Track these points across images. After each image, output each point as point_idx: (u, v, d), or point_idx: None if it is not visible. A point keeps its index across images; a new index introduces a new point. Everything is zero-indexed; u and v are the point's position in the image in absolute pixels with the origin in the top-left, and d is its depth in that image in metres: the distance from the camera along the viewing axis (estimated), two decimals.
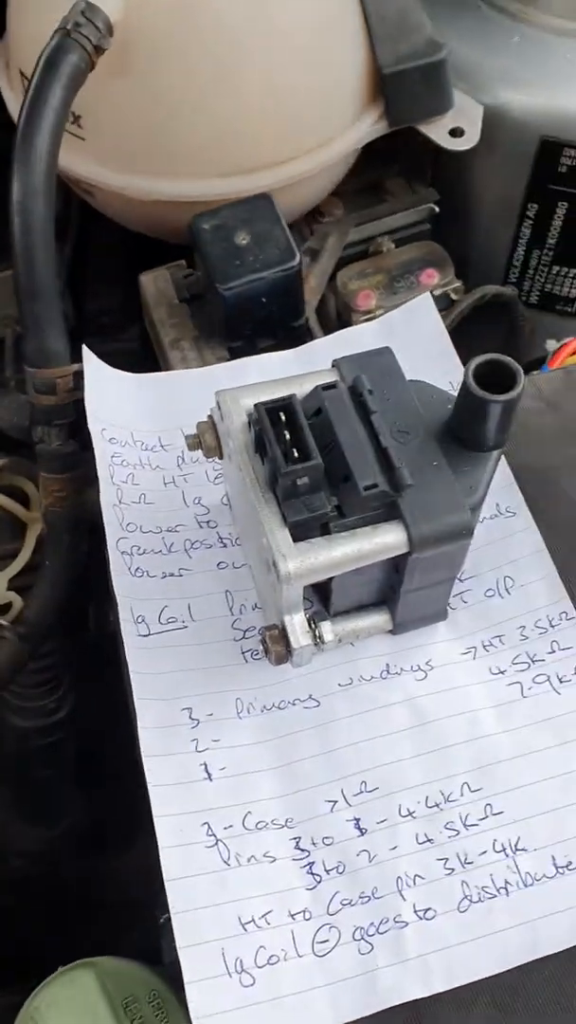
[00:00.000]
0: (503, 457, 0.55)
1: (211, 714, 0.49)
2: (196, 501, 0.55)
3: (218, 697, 0.50)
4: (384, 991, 0.43)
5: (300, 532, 0.43)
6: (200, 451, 0.50)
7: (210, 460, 0.52)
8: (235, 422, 0.46)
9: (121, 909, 0.70)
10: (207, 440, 0.49)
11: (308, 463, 0.42)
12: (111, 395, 0.57)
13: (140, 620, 0.51)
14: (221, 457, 0.50)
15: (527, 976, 0.43)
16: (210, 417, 0.49)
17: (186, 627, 0.51)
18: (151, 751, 0.47)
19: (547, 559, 0.52)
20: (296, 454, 0.43)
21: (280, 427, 0.43)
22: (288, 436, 0.43)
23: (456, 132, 0.69)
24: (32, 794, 0.83)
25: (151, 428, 0.57)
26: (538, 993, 0.43)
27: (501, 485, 0.54)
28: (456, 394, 0.46)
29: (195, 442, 0.50)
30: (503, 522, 0.54)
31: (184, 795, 0.47)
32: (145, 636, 0.51)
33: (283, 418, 0.44)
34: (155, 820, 0.45)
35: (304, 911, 0.45)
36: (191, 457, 0.57)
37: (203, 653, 0.51)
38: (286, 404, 0.44)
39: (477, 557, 0.52)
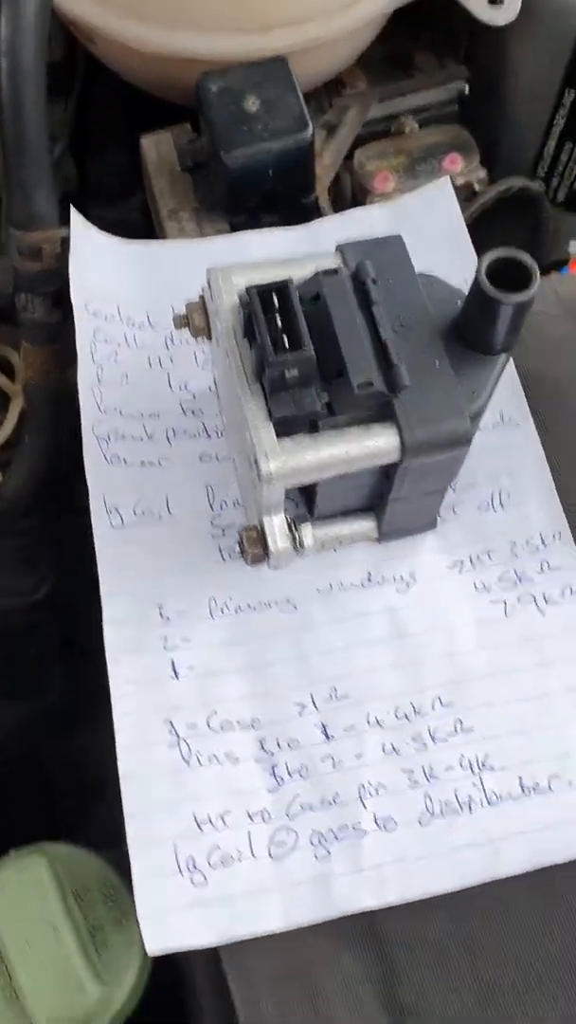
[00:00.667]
0: (511, 363, 0.52)
1: (183, 612, 0.47)
2: (182, 386, 0.52)
3: (192, 595, 0.48)
4: (338, 899, 0.42)
5: (286, 429, 0.41)
6: (188, 330, 0.47)
7: (200, 342, 0.49)
8: (225, 303, 0.43)
9: (91, 790, 0.70)
10: (195, 320, 0.46)
11: (299, 353, 0.39)
12: (98, 263, 0.53)
13: (113, 510, 0.49)
14: (210, 338, 0.47)
15: (484, 894, 0.42)
16: (201, 296, 0.46)
17: (162, 521, 0.49)
18: (116, 646, 0.46)
19: (547, 475, 0.50)
20: (287, 343, 0.39)
21: (272, 312, 0.40)
22: (280, 323, 0.40)
23: (495, 0, 0.63)
24: (10, 670, 0.83)
25: (139, 303, 0.54)
26: (493, 912, 0.43)
27: (507, 393, 0.51)
28: (467, 291, 0.43)
29: (183, 321, 0.47)
30: (505, 432, 0.51)
31: (148, 693, 0.45)
32: (118, 528, 0.48)
33: (276, 303, 0.40)
34: (115, 717, 0.44)
35: (263, 812, 0.44)
36: (180, 338, 0.53)
37: (179, 549, 0.49)
38: (280, 287, 0.40)
39: (474, 467, 0.50)
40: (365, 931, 0.42)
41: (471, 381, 0.43)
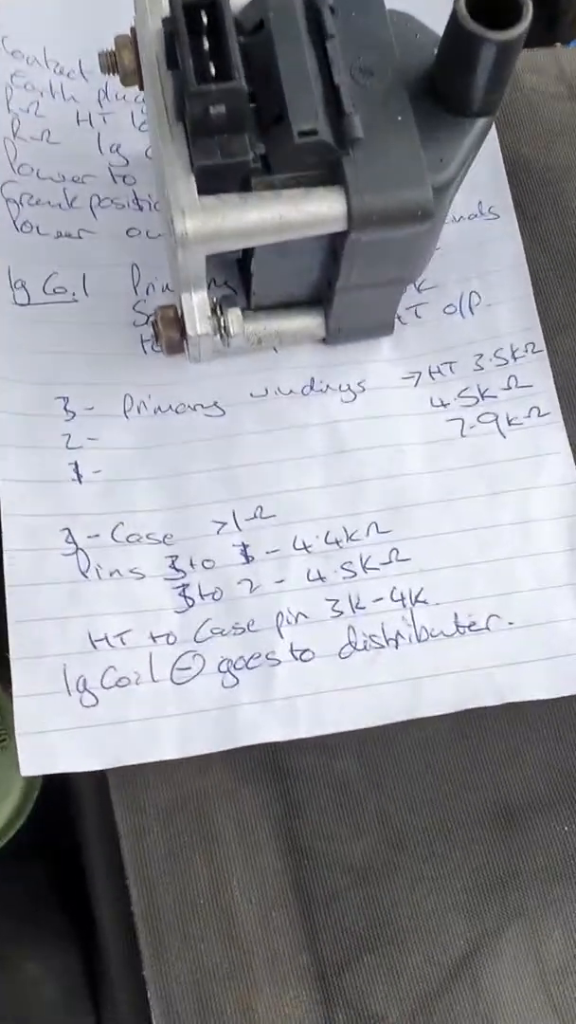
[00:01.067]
0: (497, 144, 0.44)
1: (92, 408, 0.41)
2: (114, 148, 0.45)
3: (104, 389, 0.42)
4: (242, 729, 0.38)
5: (210, 183, 0.34)
6: (117, 77, 0.39)
7: (137, 100, 0.41)
8: (151, 26, 0.35)
9: None
10: (124, 59, 0.38)
11: (227, 85, 0.32)
12: None
13: (19, 285, 0.42)
14: (142, 87, 0.39)
15: (400, 735, 0.38)
16: (133, 30, 0.38)
17: (76, 301, 0.42)
18: (8, 439, 0.40)
19: (525, 277, 0.43)
20: (214, 71, 0.32)
21: (199, 34, 0.33)
22: (208, 46, 0.32)
23: None
24: None
25: (71, 46, 0.46)
26: (408, 755, 0.39)
27: (488, 179, 0.44)
28: None
29: (110, 61, 0.39)
30: (482, 224, 0.44)
31: (44, 495, 0.40)
32: (23, 305, 0.42)
33: (206, 21, 0.33)
34: (2, 519, 0.39)
35: (168, 635, 0.39)
36: (116, 92, 0.46)
37: (93, 335, 0.42)
38: (211, 1, 0.33)
39: (443, 264, 0.43)
40: (267, 765, 0.38)
41: (440, 146, 0.36)
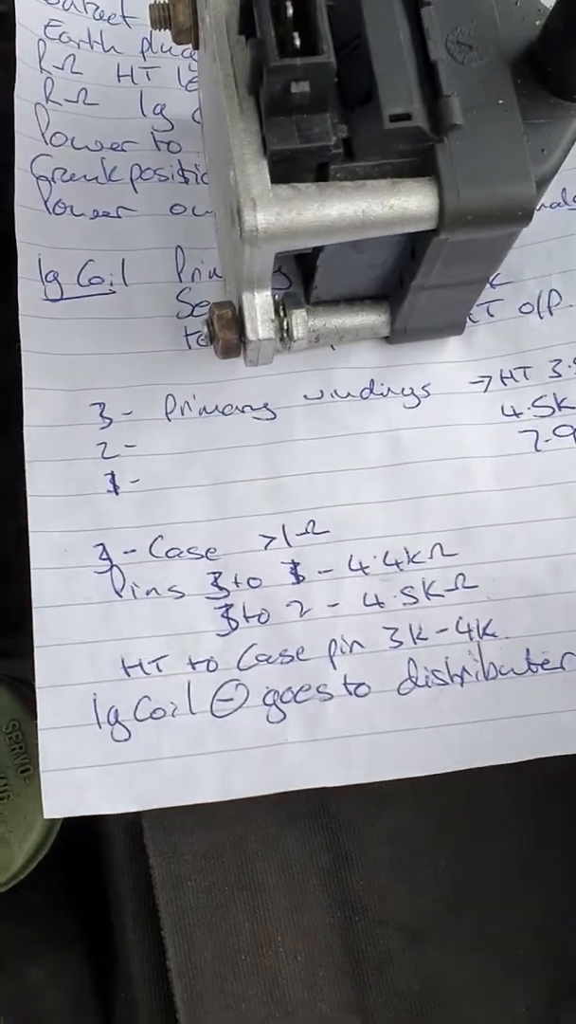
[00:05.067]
0: None
1: (129, 413, 0.37)
2: (158, 110, 0.40)
3: (143, 391, 0.38)
4: (288, 771, 0.35)
5: (285, 170, 0.30)
6: (169, 32, 0.34)
7: (185, 51, 0.37)
8: None
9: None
10: (179, 15, 0.34)
11: (313, 59, 0.27)
12: None
13: (51, 277, 0.38)
14: (197, 46, 0.35)
15: (467, 784, 0.35)
16: None
17: (114, 292, 0.38)
18: (38, 454, 0.36)
19: None
20: (298, 43, 0.28)
21: None
22: (291, 14, 0.28)
23: None
24: None
25: None
26: (472, 806, 0.36)
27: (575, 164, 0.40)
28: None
29: (161, 14, 0.34)
30: (566, 215, 0.40)
31: (77, 510, 0.36)
32: (54, 301, 0.38)
33: None
34: (31, 536, 0.35)
35: (209, 660, 0.36)
36: (162, 43, 0.41)
37: (133, 331, 0.38)
38: None
39: (520, 257, 0.39)
40: (314, 811, 0.35)
41: (541, 134, 0.32)
